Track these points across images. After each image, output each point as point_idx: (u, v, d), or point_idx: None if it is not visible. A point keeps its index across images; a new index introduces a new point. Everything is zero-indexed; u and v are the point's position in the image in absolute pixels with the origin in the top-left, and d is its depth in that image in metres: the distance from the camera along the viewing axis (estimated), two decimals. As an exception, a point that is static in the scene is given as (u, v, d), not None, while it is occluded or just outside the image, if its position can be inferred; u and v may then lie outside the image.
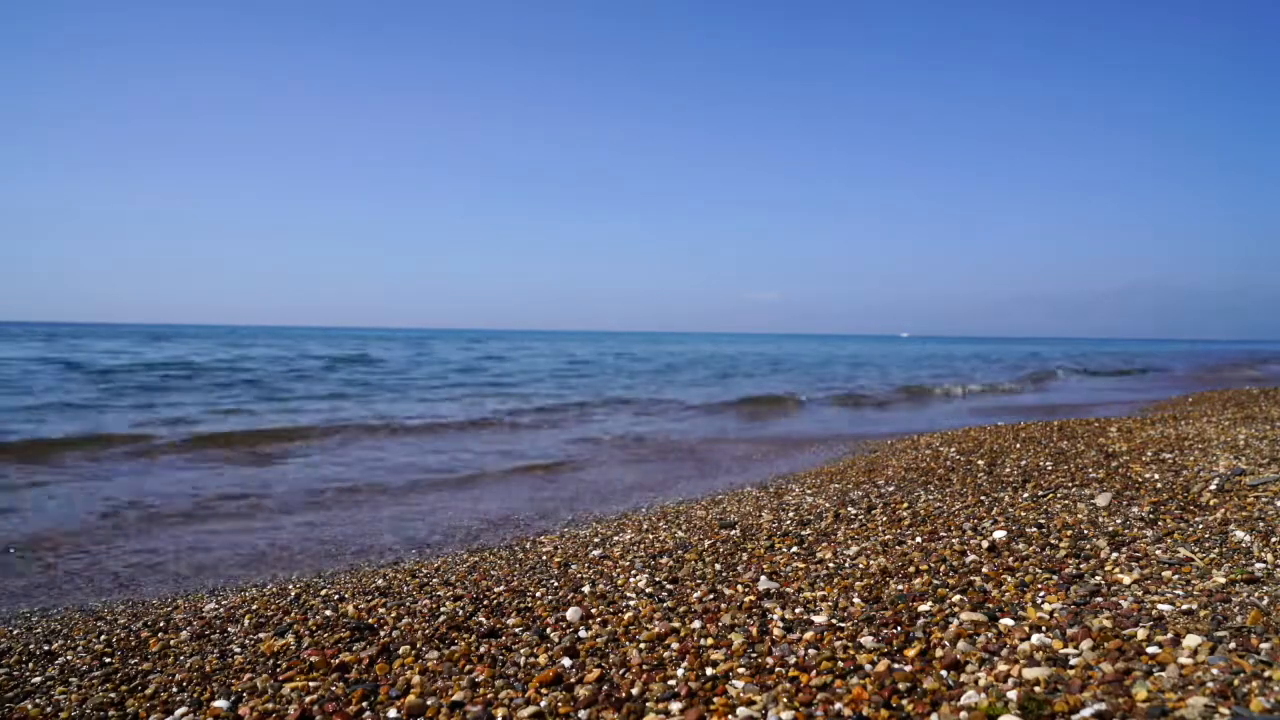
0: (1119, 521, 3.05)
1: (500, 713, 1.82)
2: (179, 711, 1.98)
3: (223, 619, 2.73)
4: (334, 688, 2.03)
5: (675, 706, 1.77)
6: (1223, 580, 2.22)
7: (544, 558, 3.38)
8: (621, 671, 1.99)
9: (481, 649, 2.24)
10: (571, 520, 4.49)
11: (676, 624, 2.29)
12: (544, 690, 1.92)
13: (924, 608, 2.24)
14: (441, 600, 2.75)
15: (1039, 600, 2.22)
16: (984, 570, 2.57)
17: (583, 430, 9.26)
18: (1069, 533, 2.94)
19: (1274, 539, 2.59)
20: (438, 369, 20.82)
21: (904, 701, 1.69)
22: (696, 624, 2.28)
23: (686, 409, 11.91)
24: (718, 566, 2.94)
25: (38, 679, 2.28)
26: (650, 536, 3.65)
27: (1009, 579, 2.44)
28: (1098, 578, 2.38)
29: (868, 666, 1.88)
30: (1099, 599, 2.18)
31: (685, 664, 1.99)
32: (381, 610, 2.68)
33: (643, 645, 2.16)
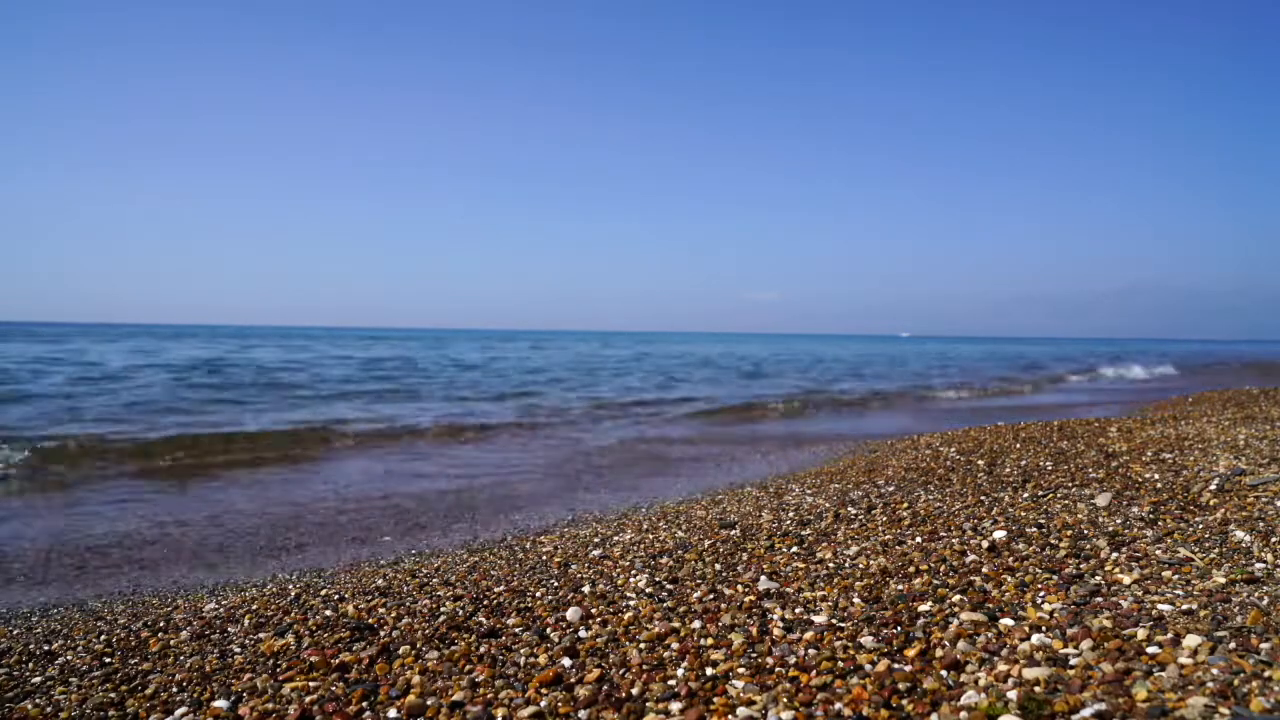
0: (1119, 521, 3.05)
1: (500, 713, 1.82)
2: (179, 711, 1.98)
3: (223, 619, 2.73)
4: (334, 688, 2.03)
5: (675, 706, 1.77)
6: (1223, 580, 2.22)
7: (544, 558, 3.38)
8: (621, 671, 1.99)
9: (481, 649, 2.24)
10: (572, 520, 4.50)
11: (676, 624, 2.29)
12: (544, 690, 1.92)
13: (924, 608, 2.24)
14: (441, 600, 2.75)
15: (1039, 600, 2.22)
16: (984, 570, 2.57)
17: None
18: (1069, 533, 2.94)
19: (1274, 539, 2.59)
20: (535, 365, 21.99)
21: (904, 701, 1.69)
22: (696, 624, 2.28)
23: (687, 409, 11.92)
24: (718, 566, 2.94)
25: (38, 679, 2.28)
26: (650, 536, 3.65)
27: (1009, 579, 2.44)
28: (1098, 578, 2.38)
29: (868, 666, 1.88)
30: (1099, 599, 2.18)
31: (685, 664, 1.99)
32: (381, 610, 2.68)
33: (643, 645, 2.16)
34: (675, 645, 2.12)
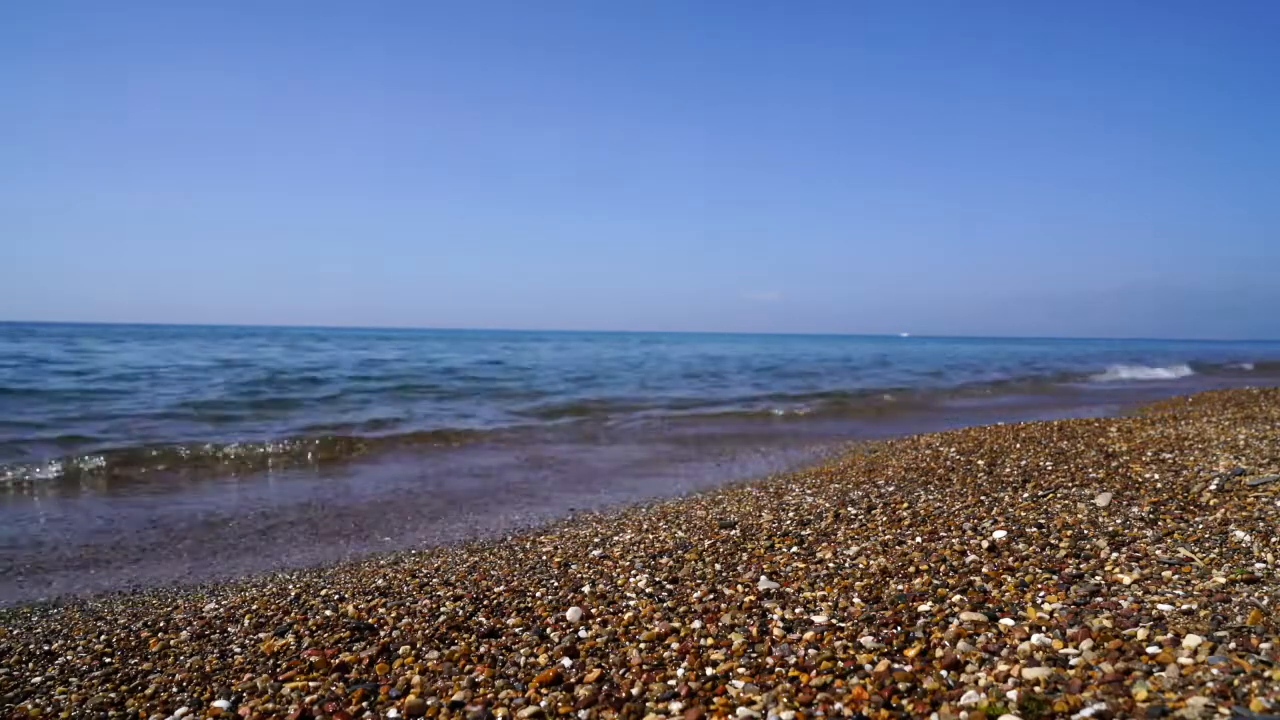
0: (1119, 521, 3.05)
1: (500, 713, 1.82)
2: (179, 711, 1.98)
3: (223, 619, 2.73)
4: (334, 688, 2.03)
5: (675, 706, 1.77)
6: (1223, 580, 2.22)
7: (544, 558, 3.38)
8: (621, 671, 1.99)
9: (481, 649, 2.24)
10: (572, 520, 4.50)
11: (676, 624, 2.29)
12: (544, 690, 1.92)
13: (924, 608, 2.24)
14: (441, 600, 2.75)
15: (1039, 600, 2.22)
16: (984, 570, 2.57)
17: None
18: (1069, 533, 2.93)
19: (1274, 539, 2.59)
20: (604, 365, 22.40)
21: (904, 701, 1.69)
22: (696, 624, 2.28)
23: (691, 409, 11.92)
24: (718, 566, 2.94)
25: (38, 679, 2.28)
26: (650, 536, 3.65)
27: (1009, 579, 2.44)
28: (1098, 578, 2.38)
29: (868, 666, 1.87)
30: (1099, 599, 2.18)
31: (685, 664, 1.99)
32: (381, 610, 2.68)
33: (643, 645, 2.16)
34: (675, 645, 2.12)
